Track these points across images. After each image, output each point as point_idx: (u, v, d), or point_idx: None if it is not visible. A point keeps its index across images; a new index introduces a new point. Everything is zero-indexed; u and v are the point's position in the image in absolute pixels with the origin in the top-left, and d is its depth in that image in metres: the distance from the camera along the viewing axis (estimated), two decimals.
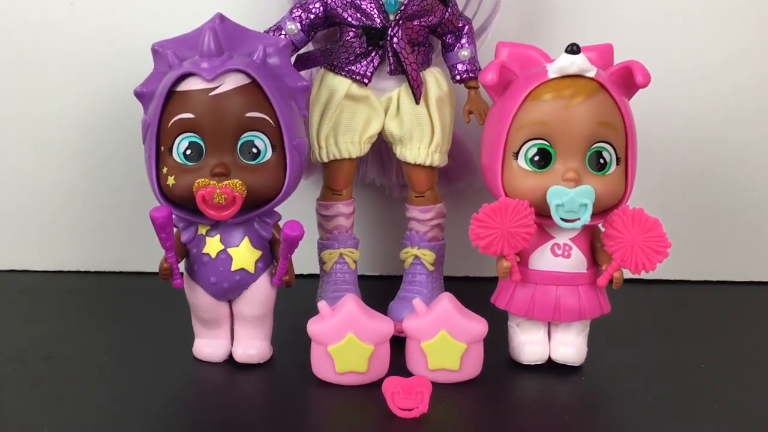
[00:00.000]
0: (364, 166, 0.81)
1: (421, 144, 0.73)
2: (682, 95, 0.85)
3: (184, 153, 0.64)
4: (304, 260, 0.78)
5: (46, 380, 0.65)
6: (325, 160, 0.74)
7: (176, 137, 0.64)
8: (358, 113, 0.73)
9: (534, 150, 0.65)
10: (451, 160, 0.78)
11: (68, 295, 0.85)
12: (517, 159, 0.66)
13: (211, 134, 0.63)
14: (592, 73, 0.65)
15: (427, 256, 0.75)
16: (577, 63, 0.64)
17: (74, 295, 0.85)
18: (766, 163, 0.88)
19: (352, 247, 0.76)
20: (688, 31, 0.85)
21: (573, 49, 0.64)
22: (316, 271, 0.78)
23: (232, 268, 0.66)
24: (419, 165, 0.74)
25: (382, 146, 0.78)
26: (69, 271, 0.90)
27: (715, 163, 0.87)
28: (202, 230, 0.66)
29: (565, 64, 0.64)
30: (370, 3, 0.70)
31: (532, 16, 0.83)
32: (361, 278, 0.80)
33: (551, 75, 0.65)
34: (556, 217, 0.64)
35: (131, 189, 0.85)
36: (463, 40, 0.74)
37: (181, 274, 0.67)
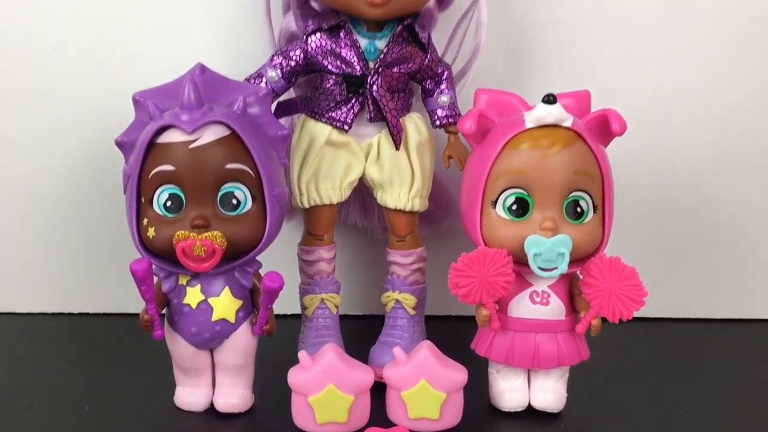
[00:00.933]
0: (346, 208, 0.81)
1: (402, 189, 0.74)
2: (661, 138, 0.86)
3: (165, 205, 0.64)
4: (287, 303, 0.78)
5: None
6: (306, 206, 0.74)
7: (156, 189, 0.64)
8: (338, 159, 0.74)
9: (512, 199, 0.66)
10: (432, 202, 0.78)
11: (49, 339, 0.85)
12: (495, 207, 0.67)
13: (191, 186, 0.64)
14: (568, 123, 0.66)
15: (408, 300, 0.76)
16: (554, 113, 0.65)
17: (55, 338, 0.85)
18: (743, 202, 0.88)
19: (334, 292, 0.76)
20: (666, 76, 0.85)
21: (549, 99, 0.65)
22: (298, 311, 0.79)
23: (213, 318, 0.66)
24: (400, 210, 0.75)
25: (363, 189, 0.78)
26: (50, 313, 0.89)
27: (692, 203, 0.88)
28: (183, 280, 0.67)
29: (541, 114, 0.65)
30: (350, 50, 0.72)
31: (512, 60, 0.84)
32: (344, 318, 0.81)
33: (528, 124, 0.66)
34: (534, 266, 0.65)
35: (112, 230, 0.85)
36: (443, 86, 0.76)
37: (163, 323, 0.67)
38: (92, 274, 0.89)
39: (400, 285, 0.77)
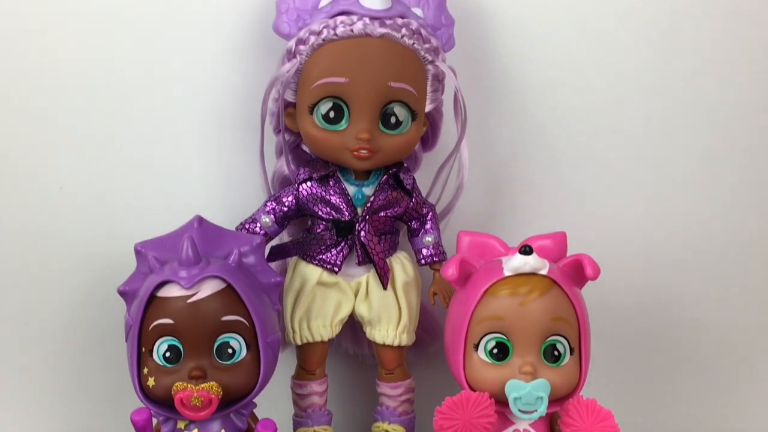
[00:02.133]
0: (338, 337, 0.85)
1: (389, 326, 0.80)
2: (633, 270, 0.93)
3: (164, 355, 0.69)
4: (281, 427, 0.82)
5: None
6: (299, 342, 0.80)
7: (156, 340, 0.69)
8: (329, 298, 0.80)
9: (492, 343, 0.71)
10: (419, 329, 0.84)
11: None
12: (477, 350, 0.72)
13: (189, 339, 0.69)
14: (544, 271, 0.71)
15: (398, 430, 0.81)
16: (530, 263, 0.71)
17: None
18: (725, 326, 0.95)
19: (326, 424, 0.82)
20: (637, 212, 0.93)
21: (526, 250, 0.71)
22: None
23: None
24: (388, 345, 0.80)
25: (354, 323, 0.83)
26: None
27: (671, 326, 0.95)
28: (181, 425, 0.71)
29: (519, 264, 0.71)
30: (339, 198, 0.78)
31: (492, 199, 0.91)
32: None
33: (507, 273, 0.71)
34: (514, 409, 0.69)
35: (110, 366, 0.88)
36: (428, 225, 0.82)
37: None
38: (92, 409, 0.92)
39: (389, 416, 0.82)
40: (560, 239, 0.77)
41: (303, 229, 0.84)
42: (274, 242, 0.83)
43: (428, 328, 0.88)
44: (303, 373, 0.82)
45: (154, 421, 0.71)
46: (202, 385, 0.68)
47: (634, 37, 0.92)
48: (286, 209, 0.80)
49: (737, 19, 0.93)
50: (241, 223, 0.81)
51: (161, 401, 0.70)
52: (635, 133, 0.94)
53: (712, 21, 0.93)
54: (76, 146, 0.89)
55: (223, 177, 0.89)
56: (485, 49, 0.91)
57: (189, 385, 0.68)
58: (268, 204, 0.81)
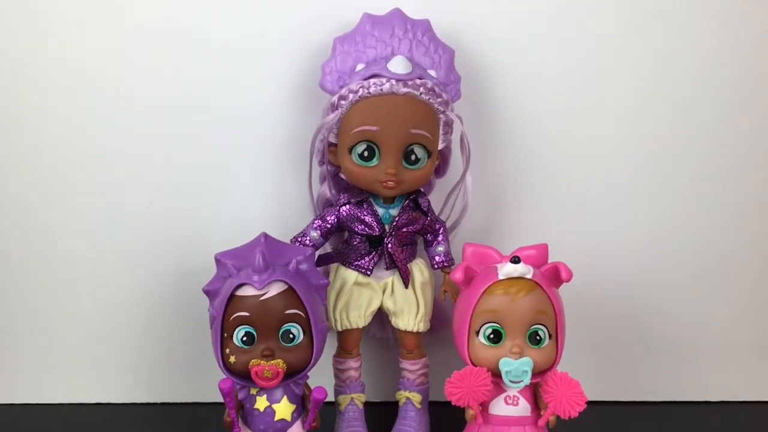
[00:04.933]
0: (369, 326, 1.01)
1: (410, 316, 0.97)
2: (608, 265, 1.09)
3: (242, 339, 0.86)
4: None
5: None
6: (340, 329, 0.97)
7: (236, 328, 0.86)
8: (363, 295, 0.97)
9: (489, 330, 0.88)
10: (433, 319, 1.00)
11: (129, 428, 1.05)
12: (477, 336, 0.88)
13: (260, 327, 0.85)
14: (530, 275, 0.87)
15: (416, 397, 0.99)
16: (519, 269, 0.87)
17: (135, 426, 1.06)
18: (677, 299, 1.10)
19: (360, 392, 0.99)
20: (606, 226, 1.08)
21: (515, 260, 0.87)
22: (332, 401, 1.00)
23: (275, 419, 0.88)
24: (409, 331, 0.98)
25: (382, 314, 1.00)
26: (135, 404, 1.10)
27: (637, 305, 1.10)
28: (253, 391, 0.88)
29: (509, 270, 0.87)
30: (371, 218, 0.94)
31: (490, 217, 1.06)
32: (368, 404, 1.01)
33: (501, 276, 0.87)
34: (506, 380, 0.86)
35: (190, 327, 1.06)
36: (440, 238, 0.98)
37: (239, 422, 0.89)
38: (175, 368, 1.09)
39: (409, 386, 0.99)
40: (542, 250, 0.91)
41: (342, 241, 0.98)
42: (319, 252, 0.97)
43: (440, 319, 1.03)
44: (342, 352, 0.99)
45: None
46: (271, 362, 0.85)
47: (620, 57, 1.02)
48: (329, 226, 0.96)
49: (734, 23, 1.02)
50: (294, 237, 0.96)
51: (239, 374, 0.86)
52: (613, 162, 1.05)
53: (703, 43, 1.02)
54: (169, 175, 1.04)
55: (280, 199, 1.04)
56: (485, 99, 1.03)
57: (261, 362, 0.85)
58: (315, 222, 0.96)
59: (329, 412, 1.00)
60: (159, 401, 1.11)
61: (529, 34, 1.02)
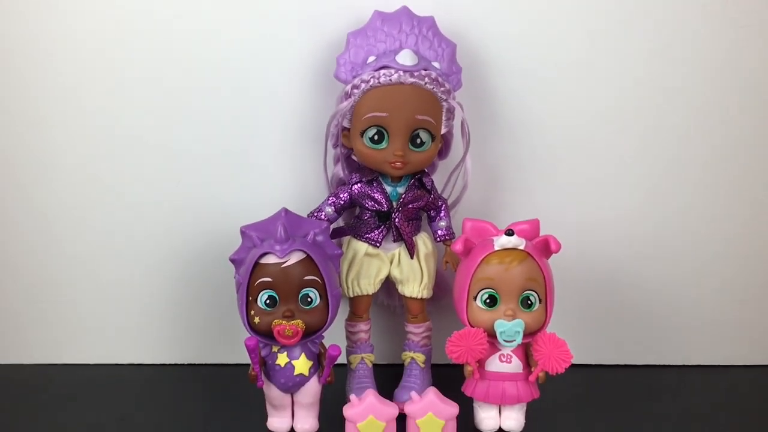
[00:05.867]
0: (377, 293, 1.10)
1: (415, 284, 1.05)
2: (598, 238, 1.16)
3: (265, 302, 0.93)
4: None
5: None
6: (351, 295, 1.06)
7: (260, 292, 0.93)
8: (372, 265, 1.05)
9: (486, 295, 0.95)
10: (435, 287, 1.09)
11: (161, 387, 1.12)
12: (475, 301, 0.96)
13: (282, 291, 0.93)
14: (522, 246, 0.95)
15: (420, 357, 1.07)
16: (513, 241, 0.95)
17: (166, 385, 1.12)
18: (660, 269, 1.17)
19: (370, 352, 1.07)
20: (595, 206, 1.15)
21: (509, 232, 0.95)
22: (344, 361, 1.09)
23: (295, 373, 0.96)
24: (414, 298, 1.06)
25: (389, 282, 1.09)
26: (169, 364, 1.17)
27: (621, 274, 1.17)
28: (275, 348, 0.96)
29: (504, 242, 0.95)
30: (380, 195, 1.03)
31: (488, 195, 1.13)
32: (377, 366, 1.09)
33: (496, 248, 0.95)
34: (500, 339, 0.95)
35: (217, 288, 1.13)
36: (442, 214, 1.06)
37: (262, 377, 0.97)
38: (202, 330, 1.16)
39: (414, 347, 1.07)
40: (534, 224, 0.99)
41: (353, 216, 1.06)
42: (334, 225, 1.05)
43: (442, 286, 1.10)
44: (354, 317, 1.07)
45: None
46: (291, 322, 0.92)
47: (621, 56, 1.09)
48: (342, 202, 1.04)
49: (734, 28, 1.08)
50: (311, 212, 1.03)
51: (263, 333, 0.94)
52: (600, 146, 1.11)
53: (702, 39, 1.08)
54: (197, 155, 1.12)
55: (299, 179, 1.11)
56: (484, 88, 1.10)
57: (283, 322, 0.92)
58: (330, 198, 1.04)
59: (341, 372, 1.07)
60: (187, 362, 1.19)
61: (528, 26, 1.09)
